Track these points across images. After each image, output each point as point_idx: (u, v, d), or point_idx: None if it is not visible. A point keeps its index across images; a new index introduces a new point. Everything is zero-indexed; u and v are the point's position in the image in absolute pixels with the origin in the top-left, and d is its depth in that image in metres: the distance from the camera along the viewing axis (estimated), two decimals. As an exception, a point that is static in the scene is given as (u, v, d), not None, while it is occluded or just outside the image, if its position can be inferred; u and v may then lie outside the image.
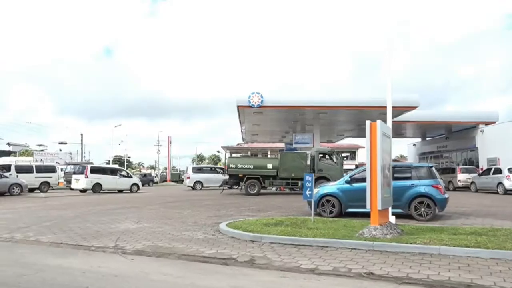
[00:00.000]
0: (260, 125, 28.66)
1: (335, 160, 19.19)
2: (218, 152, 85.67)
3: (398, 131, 35.31)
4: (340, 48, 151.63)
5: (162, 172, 66.48)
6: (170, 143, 60.18)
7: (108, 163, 60.51)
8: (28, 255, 5.88)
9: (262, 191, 18.88)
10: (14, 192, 20.70)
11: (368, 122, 7.14)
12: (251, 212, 11.55)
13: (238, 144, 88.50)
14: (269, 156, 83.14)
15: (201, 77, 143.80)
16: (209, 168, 31.11)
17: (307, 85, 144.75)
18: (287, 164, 18.73)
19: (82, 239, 7.14)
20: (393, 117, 24.21)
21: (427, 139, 37.73)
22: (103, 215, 11.06)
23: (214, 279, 4.55)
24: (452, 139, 31.94)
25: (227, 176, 25.28)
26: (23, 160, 34.99)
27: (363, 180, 10.04)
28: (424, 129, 34.73)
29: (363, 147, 58.50)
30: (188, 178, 27.36)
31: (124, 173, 26.57)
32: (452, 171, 24.75)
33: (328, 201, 9.93)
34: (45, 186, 24.67)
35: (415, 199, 9.41)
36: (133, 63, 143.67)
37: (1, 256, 5.86)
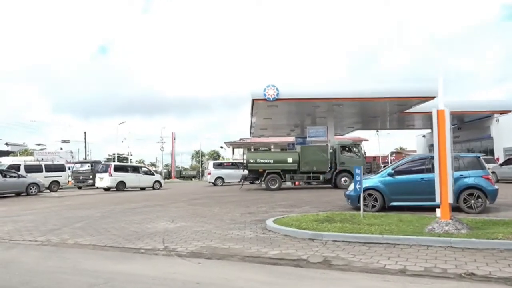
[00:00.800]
0: (271, 118, 28.12)
1: (357, 153, 18.76)
2: (222, 147, 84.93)
3: (407, 122, 34.94)
4: (335, 42, 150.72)
5: (162, 169, 65.97)
6: (174, 139, 59.69)
7: (107, 161, 60.02)
8: (82, 260, 5.41)
9: (281, 186, 18.43)
10: (31, 192, 20.34)
11: (434, 110, 6.66)
12: (284, 208, 11.08)
13: (240, 139, 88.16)
14: (272, 150, 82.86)
15: (197, 74, 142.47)
16: (230, 164, 30.60)
17: (307, 80, 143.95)
18: (308, 157, 18.30)
19: (126, 241, 6.67)
20: (413, 106, 23.81)
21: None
22: (132, 214, 10.60)
23: (310, 286, 4.08)
24: (464, 129, 31.51)
25: (245, 171, 24.85)
26: (25, 160, 34.67)
27: (408, 172, 9.66)
28: (431, 119, 34.29)
29: (367, 140, 58.07)
30: (209, 174, 27.12)
31: (146, 170, 26.65)
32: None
33: (369, 195, 9.47)
34: (55, 186, 24.35)
35: (464, 191, 8.97)
36: (129, 60, 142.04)
37: (54, 263, 5.38)
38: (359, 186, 8.06)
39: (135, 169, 25.84)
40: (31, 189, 20.42)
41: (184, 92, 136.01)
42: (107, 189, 23.44)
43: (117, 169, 24.16)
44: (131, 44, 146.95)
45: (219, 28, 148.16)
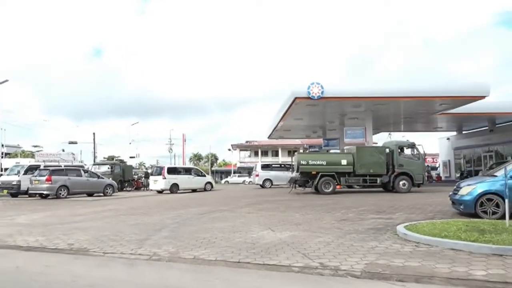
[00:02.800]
0: (302, 119, 27.05)
1: (416, 154, 17.70)
2: (229, 150, 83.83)
3: (430, 125, 33.91)
4: (334, 44, 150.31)
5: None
6: (185, 141, 58.42)
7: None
8: (250, 284, 4.26)
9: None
10: (107, 192, 20.94)
11: None
12: (373, 213, 9.94)
13: (246, 141, 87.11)
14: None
15: (192, 75, 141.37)
16: (278, 165, 29.90)
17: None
18: (364, 159, 17.20)
19: (256, 255, 5.54)
20: (458, 107, 22.74)
21: (463, 132, 36.33)
22: (209, 220, 9.42)
23: None
24: (498, 132, 30.52)
25: (294, 174, 23.69)
26: (30, 161, 33.81)
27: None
28: (460, 122, 33.27)
29: (376, 143, 56.89)
30: (257, 176, 26.59)
31: (197, 171, 26.66)
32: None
33: (489, 200, 8.37)
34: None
35: None
36: (123, 62, 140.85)
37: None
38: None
39: (187, 171, 26.13)
40: (107, 189, 21.00)
41: (178, 94, 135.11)
42: (160, 191, 23.40)
43: (170, 171, 24.12)
44: (126, 45, 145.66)
45: (212, 31, 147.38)
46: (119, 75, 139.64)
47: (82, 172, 20.95)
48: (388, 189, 17.55)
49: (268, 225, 8.32)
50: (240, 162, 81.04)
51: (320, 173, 16.85)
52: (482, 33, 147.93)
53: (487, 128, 31.77)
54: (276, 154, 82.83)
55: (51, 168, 19.79)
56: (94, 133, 52.36)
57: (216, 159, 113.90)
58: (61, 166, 24.65)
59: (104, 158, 67.45)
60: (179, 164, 70.65)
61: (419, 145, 18.65)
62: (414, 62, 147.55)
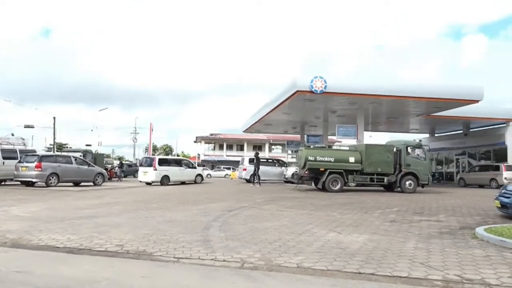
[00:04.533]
0: (290, 114, 26.48)
1: (422, 154, 17.61)
2: (195, 141, 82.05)
3: (407, 126, 34.59)
4: (291, 44, 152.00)
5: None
6: (152, 130, 56.13)
7: (48, 150, 55.04)
8: None
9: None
10: (98, 182, 19.89)
11: None
12: (416, 215, 9.47)
13: (211, 134, 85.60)
14: (244, 148, 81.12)
15: (146, 64, 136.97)
16: (266, 160, 28.88)
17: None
18: (373, 158, 16.83)
19: (361, 263, 4.81)
20: (450, 109, 22.99)
21: (436, 135, 37.39)
22: (250, 218, 8.49)
23: None
24: (472, 136, 31.59)
25: (287, 170, 23.01)
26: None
27: None
28: (434, 124, 34.18)
29: (340, 141, 57.42)
30: (245, 170, 25.51)
31: (188, 163, 25.48)
32: (496, 168, 24.11)
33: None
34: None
35: None
36: (73, 46, 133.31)
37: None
38: None
39: (178, 163, 24.79)
40: (97, 179, 19.84)
41: (130, 83, 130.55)
42: (149, 183, 22.15)
43: (161, 162, 22.75)
44: (76, 27, 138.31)
45: (168, 18, 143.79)
46: (68, 58, 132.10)
47: (72, 159, 19.27)
48: (392, 189, 17.37)
49: (324, 226, 7.57)
50: (205, 155, 79.44)
51: (328, 170, 16.30)
52: (431, 42, 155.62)
53: (461, 131, 32.80)
54: (241, 148, 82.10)
55: (40, 154, 17.98)
56: (54, 118, 48.89)
57: (172, 150, 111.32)
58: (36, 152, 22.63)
59: (51, 145, 63.12)
60: (139, 154, 68.04)
61: (425, 145, 18.64)
62: (366, 67, 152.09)
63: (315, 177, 16.95)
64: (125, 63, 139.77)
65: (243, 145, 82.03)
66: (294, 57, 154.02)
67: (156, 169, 21.85)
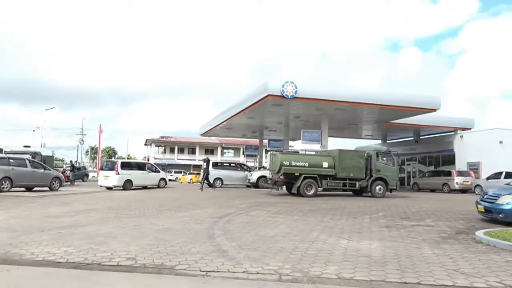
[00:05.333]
0: (254, 118, 26.39)
1: (391, 160, 18.17)
2: (146, 144, 79.55)
3: (362, 132, 35.85)
4: (241, 51, 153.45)
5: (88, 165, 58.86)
6: (102, 132, 53.47)
7: None
8: None
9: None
10: (54, 187, 18.66)
11: None
12: (405, 220, 9.65)
13: (161, 137, 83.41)
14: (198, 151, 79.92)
15: (86, 63, 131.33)
16: (228, 164, 28.47)
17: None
18: (346, 163, 17.06)
19: (397, 271, 4.71)
20: (408, 117, 23.97)
21: (387, 141, 39.01)
22: (247, 226, 8.15)
23: None
24: (423, 143, 33.35)
25: (251, 174, 22.75)
26: None
27: None
28: (386, 131, 35.70)
29: (292, 146, 57.80)
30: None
31: (152, 167, 24.35)
32: (448, 173, 25.54)
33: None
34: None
35: None
36: (6, 39, 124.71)
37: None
38: None
39: (141, 166, 23.57)
40: (53, 183, 18.64)
41: (70, 82, 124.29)
42: (110, 188, 21.28)
43: (123, 166, 21.53)
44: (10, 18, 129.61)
45: (110, 15, 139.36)
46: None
47: (27, 162, 17.66)
48: (361, 193, 17.78)
49: (328, 233, 7.44)
50: (155, 159, 77.14)
51: (303, 175, 16.30)
52: (372, 53, 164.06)
53: (412, 138, 34.52)
54: (193, 152, 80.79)
55: None
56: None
57: (115, 153, 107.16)
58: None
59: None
60: (81, 157, 64.59)
61: (393, 152, 19.29)
62: (312, 74, 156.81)
63: (289, 182, 16.90)
64: (64, 61, 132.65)
65: (195, 149, 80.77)
66: (242, 62, 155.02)
67: (118, 173, 20.78)
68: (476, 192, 23.07)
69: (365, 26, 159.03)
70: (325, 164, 16.76)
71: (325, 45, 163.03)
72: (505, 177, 21.11)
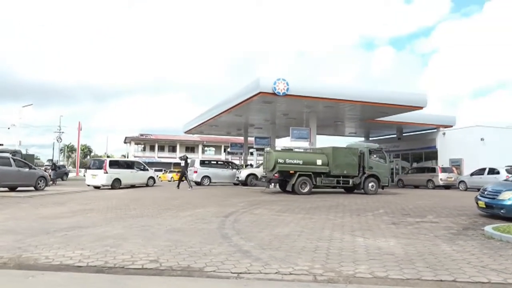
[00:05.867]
0: (241, 116, 26.23)
1: (383, 157, 18.38)
2: (126, 142, 78.18)
3: (346, 130, 36.22)
4: (216, 46, 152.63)
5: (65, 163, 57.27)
6: (81, 129, 52.22)
7: None
8: None
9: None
10: (40, 186, 17.94)
11: None
12: (408, 217, 9.74)
13: (141, 134, 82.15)
14: (179, 148, 79.21)
15: (57, 60, 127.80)
16: (216, 162, 28.15)
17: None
18: (339, 160, 17.15)
19: (411, 270, 4.69)
20: (394, 114, 24.25)
21: (370, 138, 39.52)
22: (256, 225, 8.04)
23: None
24: (405, 140, 33.92)
25: (240, 172, 22.67)
26: None
27: None
28: (369, 128, 36.16)
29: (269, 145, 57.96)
30: (195, 172, 24.33)
31: (140, 165, 23.94)
32: (432, 170, 26.08)
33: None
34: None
35: None
36: None
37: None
38: None
39: (129, 165, 23.21)
40: (39, 183, 17.91)
41: (41, 78, 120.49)
42: (98, 187, 20.85)
43: (112, 164, 21.11)
44: None
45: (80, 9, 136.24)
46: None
47: (11, 161, 16.98)
48: (352, 190, 17.96)
49: (341, 231, 7.42)
50: (135, 157, 75.88)
51: (298, 173, 16.28)
52: (347, 51, 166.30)
53: (395, 135, 35.08)
54: (173, 149, 79.93)
55: None
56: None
57: (90, 151, 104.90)
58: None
59: None
60: (55, 156, 62.84)
61: (385, 149, 19.53)
62: (289, 71, 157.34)
63: (283, 180, 16.84)
64: (35, 57, 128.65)
65: (175, 146, 79.97)
66: (218, 58, 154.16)
67: (106, 172, 20.31)
68: (460, 188, 23.68)
69: (341, 25, 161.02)
70: (319, 162, 16.80)
71: (302, 43, 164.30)
72: (488, 173, 21.69)
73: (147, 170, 24.08)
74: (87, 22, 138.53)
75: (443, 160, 28.96)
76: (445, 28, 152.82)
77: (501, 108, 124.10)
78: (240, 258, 5.15)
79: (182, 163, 22.11)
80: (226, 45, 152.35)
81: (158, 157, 77.67)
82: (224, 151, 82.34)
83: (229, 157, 45.11)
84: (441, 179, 25.09)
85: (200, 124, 31.69)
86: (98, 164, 21.50)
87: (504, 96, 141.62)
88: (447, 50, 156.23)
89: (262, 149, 32.51)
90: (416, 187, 26.85)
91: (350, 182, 17.26)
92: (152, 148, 79.99)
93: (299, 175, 16.28)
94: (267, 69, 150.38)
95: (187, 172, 21.68)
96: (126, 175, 21.44)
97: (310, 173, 16.50)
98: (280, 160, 16.35)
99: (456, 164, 27.90)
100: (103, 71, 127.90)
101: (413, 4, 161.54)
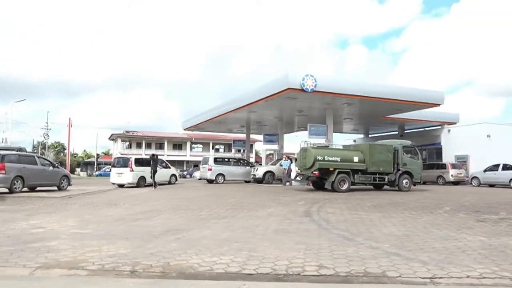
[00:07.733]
0: (256, 112, 25.90)
1: (416, 154, 18.52)
2: (112, 139, 76.41)
3: (338, 126, 36.37)
4: (192, 41, 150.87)
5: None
6: (71, 126, 50.61)
7: None
8: None
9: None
10: (63, 186, 17.08)
11: None
12: (473, 213, 9.73)
13: (127, 131, 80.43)
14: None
15: (23, 53, 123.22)
16: (228, 159, 27.38)
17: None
18: (376, 157, 17.12)
19: None
20: (411, 111, 24.46)
21: (369, 136, 39.83)
22: (346, 223, 7.81)
23: None
24: (408, 137, 34.19)
25: (256, 170, 22.49)
26: None
27: None
28: (368, 125, 36.46)
29: (260, 141, 57.29)
30: (210, 170, 23.74)
31: (163, 163, 23.42)
32: (443, 166, 26.48)
33: None
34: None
35: None
36: None
37: None
38: None
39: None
40: (62, 182, 17.07)
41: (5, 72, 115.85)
42: (122, 185, 20.37)
43: (137, 162, 20.52)
44: None
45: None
46: None
47: (37, 159, 16.19)
48: (382, 188, 18.04)
49: (448, 229, 7.30)
50: (121, 154, 74.22)
51: (337, 170, 16.12)
52: (322, 48, 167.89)
53: (397, 132, 35.47)
54: (161, 146, 78.69)
55: (1, 153, 14.56)
56: None
57: (64, 148, 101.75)
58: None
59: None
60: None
61: (417, 146, 19.68)
62: (265, 66, 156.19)
63: (321, 177, 16.62)
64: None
65: (162, 143, 78.79)
66: (194, 52, 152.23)
67: (132, 170, 19.84)
68: (473, 184, 24.13)
69: (317, 23, 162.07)
70: (356, 159, 16.71)
71: (278, 38, 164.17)
72: (502, 169, 22.19)
73: (169, 167, 23.49)
74: (57, 18, 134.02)
75: (448, 157, 29.48)
76: (416, 29, 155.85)
77: (467, 106, 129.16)
78: (403, 262, 4.91)
79: (150, 162, 21.06)
80: (200, 39, 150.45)
81: (146, 155, 76.16)
82: (212, 148, 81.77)
83: (233, 154, 44.67)
84: (451, 175, 25.52)
85: (206, 121, 31.19)
86: (123, 162, 20.89)
87: (469, 94, 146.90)
88: (417, 50, 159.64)
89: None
90: (424, 183, 27.18)
91: (386, 179, 17.29)
92: (139, 145, 78.50)
93: (339, 172, 16.14)
94: (243, 65, 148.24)
95: (155, 170, 20.44)
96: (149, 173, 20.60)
97: (349, 170, 16.40)
98: (319, 157, 16.15)
99: (462, 161, 28.45)
100: (74, 67, 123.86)
101: (386, 5, 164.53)
